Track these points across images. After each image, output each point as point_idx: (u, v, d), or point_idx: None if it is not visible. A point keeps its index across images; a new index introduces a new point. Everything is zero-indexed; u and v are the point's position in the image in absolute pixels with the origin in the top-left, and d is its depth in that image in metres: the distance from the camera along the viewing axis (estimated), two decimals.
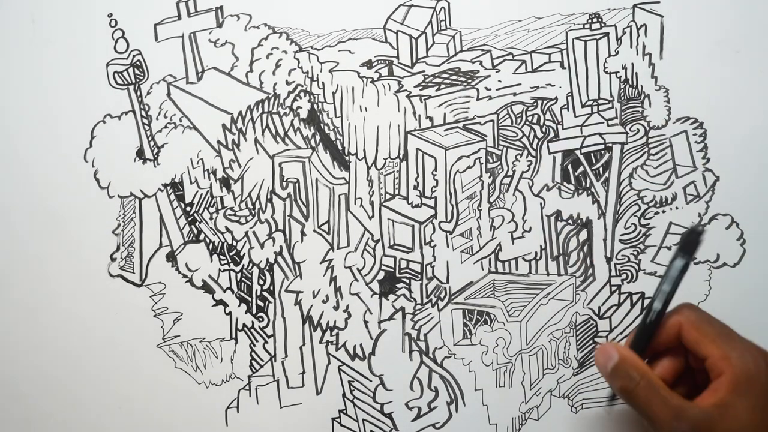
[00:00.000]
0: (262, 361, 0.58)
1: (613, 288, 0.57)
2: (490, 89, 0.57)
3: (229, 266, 0.58)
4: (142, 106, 0.58)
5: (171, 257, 0.58)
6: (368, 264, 0.57)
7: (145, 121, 0.58)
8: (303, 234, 0.58)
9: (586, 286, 0.57)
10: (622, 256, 0.56)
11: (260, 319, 0.58)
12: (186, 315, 0.58)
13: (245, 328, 0.58)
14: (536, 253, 0.57)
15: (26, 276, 0.59)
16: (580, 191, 0.57)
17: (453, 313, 0.57)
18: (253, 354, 0.58)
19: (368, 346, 0.57)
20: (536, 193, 0.57)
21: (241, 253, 0.58)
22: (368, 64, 0.57)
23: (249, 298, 0.58)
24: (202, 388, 0.58)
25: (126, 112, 0.58)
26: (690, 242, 0.46)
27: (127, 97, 0.58)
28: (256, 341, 0.58)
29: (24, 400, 0.59)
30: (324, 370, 0.58)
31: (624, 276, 0.56)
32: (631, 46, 0.56)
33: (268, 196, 0.58)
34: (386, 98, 0.57)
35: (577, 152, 0.57)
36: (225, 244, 0.58)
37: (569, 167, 0.57)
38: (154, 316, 0.58)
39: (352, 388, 0.57)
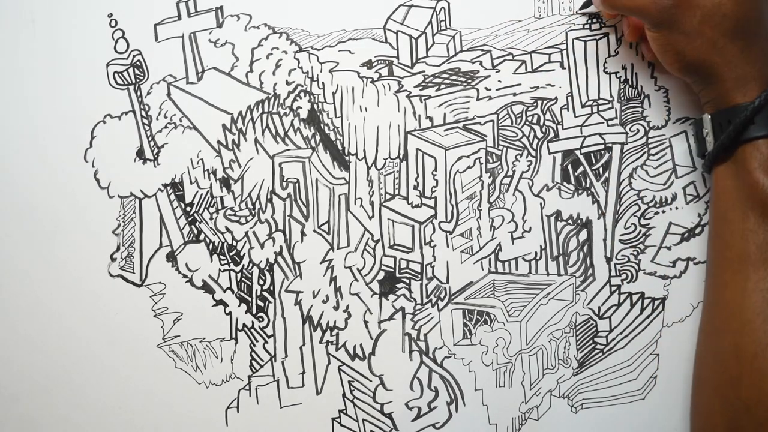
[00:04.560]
0: (262, 361, 0.58)
1: (613, 288, 0.57)
2: (490, 89, 0.57)
3: (229, 266, 0.58)
4: (142, 106, 0.58)
5: (171, 257, 0.58)
6: (368, 264, 0.57)
7: (145, 121, 0.58)
8: (303, 234, 0.58)
9: (586, 286, 0.57)
10: (622, 256, 0.57)
11: (260, 319, 0.58)
12: (186, 315, 0.58)
13: (245, 328, 0.58)
14: (536, 253, 0.57)
15: (26, 276, 0.59)
16: (580, 191, 0.57)
17: (453, 313, 0.57)
18: (253, 354, 0.58)
19: (368, 346, 0.57)
20: (536, 193, 0.57)
21: (241, 253, 0.58)
22: (368, 64, 0.57)
23: (249, 298, 0.58)
24: (202, 388, 0.58)
25: (126, 112, 0.58)
26: None
27: (127, 97, 0.58)
28: (256, 341, 0.58)
29: (24, 400, 0.59)
30: (324, 370, 0.58)
31: (624, 276, 0.57)
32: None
33: (268, 196, 0.58)
34: (386, 98, 0.57)
35: (577, 152, 0.57)
36: (225, 244, 0.58)
37: (569, 167, 0.57)
38: (154, 316, 0.58)
39: (352, 388, 0.57)
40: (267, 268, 0.58)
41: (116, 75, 0.58)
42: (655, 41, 0.50)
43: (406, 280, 0.57)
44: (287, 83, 0.58)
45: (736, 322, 0.46)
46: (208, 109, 0.58)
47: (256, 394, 0.58)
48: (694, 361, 0.51)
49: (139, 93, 0.58)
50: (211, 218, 0.58)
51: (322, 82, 0.58)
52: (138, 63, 0.58)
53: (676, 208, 0.56)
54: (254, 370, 0.58)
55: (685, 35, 0.48)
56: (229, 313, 0.58)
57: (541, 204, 0.57)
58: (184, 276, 0.58)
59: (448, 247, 0.57)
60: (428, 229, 0.57)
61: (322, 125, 0.58)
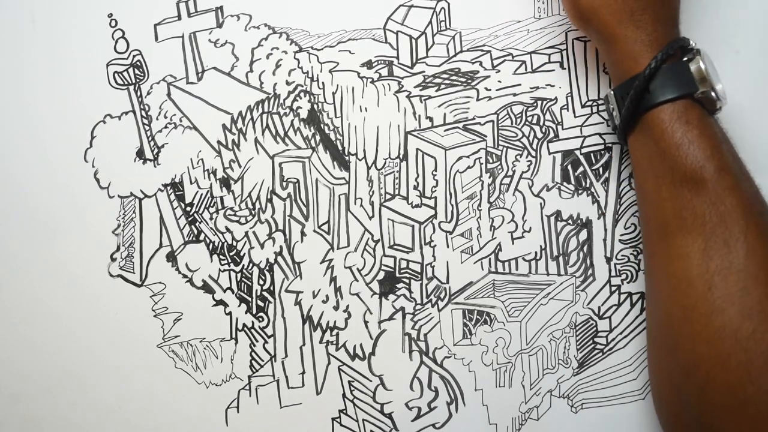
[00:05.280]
0: (262, 361, 0.58)
1: (613, 288, 0.57)
2: (490, 89, 0.57)
3: (229, 266, 0.58)
4: (142, 106, 0.58)
5: (171, 257, 0.58)
6: (368, 264, 0.57)
7: (145, 121, 0.58)
8: (303, 234, 0.58)
9: (586, 286, 0.57)
10: (622, 256, 0.57)
11: (260, 319, 0.58)
12: (186, 315, 0.58)
13: (245, 328, 0.58)
14: (536, 253, 0.57)
15: (26, 276, 0.59)
16: (580, 191, 0.57)
17: (453, 313, 0.57)
18: (253, 354, 0.58)
19: (368, 346, 0.57)
20: (536, 193, 0.57)
21: (241, 253, 0.58)
22: (368, 65, 0.58)
23: (249, 298, 0.58)
24: (202, 388, 0.58)
25: (126, 112, 0.58)
26: None
27: (127, 97, 0.58)
28: (256, 341, 0.58)
29: (24, 400, 0.59)
30: (324, 370, 0.58)
31: (624, 276, 0.57)
32: None
33: (268, 196, 0.58)
34: (386, 98, 0.57)
35: (577, 152, 0.57)
36: (225, 244, 0.58)
37: (569, 167, 0.57)
38: (154, 316, 0.58)
39: (352, 388, 0.57)
40: (267, 268, 0.58)
41: (116, 75, 0.58)
42: None
43: (406, 280, 0.57)
44: (287, 83, 0.58)
45: (664, 290, 0.46)
46: (208, 109, 0.58)
47: (256, 394, 0.58)
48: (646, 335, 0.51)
49: (139, 93, 0.58)
50: (211, 218, 0.58)
51: (322, 82, 0.58)
52: (138, 63, 0.58)
53: None
54: (254, 370, 0.58)
55: None
56: (229, 313, 0.58)
57: (541, 204, 0.57)
58: (184, 276, 0.58)
59: (448, 247, 0.57)
60: (428, 229, 0.57)
61: (322, 125, 0.58)
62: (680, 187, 0.46)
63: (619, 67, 0.49)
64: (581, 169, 0.57)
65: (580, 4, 0.49)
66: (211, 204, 0.58)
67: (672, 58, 0.47)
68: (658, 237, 0.47)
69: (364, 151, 0.57)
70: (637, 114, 0.48)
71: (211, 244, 0.58)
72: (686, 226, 0.45)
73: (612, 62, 0.50)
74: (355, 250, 0.57)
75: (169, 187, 0.58)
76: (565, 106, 0.57)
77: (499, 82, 0.57)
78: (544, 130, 0.57)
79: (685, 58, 0.48)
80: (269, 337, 0.58)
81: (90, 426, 0.58)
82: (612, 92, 0.50)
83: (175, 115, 0.58)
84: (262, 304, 0.58)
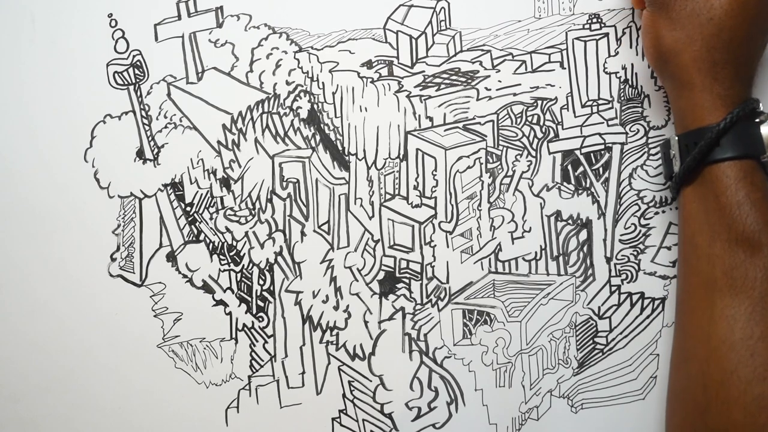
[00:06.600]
0: (262, 361, 0.58)
1: (613, 288, 0.57)
2: (490, 89, 0.57)
3: (229, 266, 0.58)
4: (142, 106, 0.58)
5: (171, 257, 0.58)
6: (368, 264, 0.57)
7: (145, 121, 0.58)
8: (303, 234, 0.58)
9: (586, 286, 0.57)
10: (622, 256, 0.57)
11: (260, 319, 0.58)
12: (186, 315, 0.58)
13: (245, 328, 0.58)
14: (536, 253, 0.57)
15: (26, 276, 0.59)
16: (580, 191, 0.57)
17: (453, 313, 0.57)
18: (253, 354, 0.58)
19: (368, 346, 0.57)
20: (536, 193, 0.57)
21: (241, 253, 0.58)
22: (368, 64, 0.58)
23: (249, 298, 0.58)
24: (202, 388, 0.58)
25: (126, 112, 0.58)
26: None
27: (127, 97, 0.58)
28: (256, 341, 0.58)
29: (24, 400, 0.59)
30: (324, 370, 0.58)
31: (624, 276, 0.57)
32: (630, 47, 0.56)
33: (268, 196, 0.58)
34: (386, 98, 0.57)
35: (577, 152, 0.57)
36: (225, 244, 0.58)
37: (569, 167, 0.57)
38: (154, 316, 0.58)
39: (352, 388, 0.57)
40: (267, 268, 0.58)
41: (116, 75, 0.58)
42: (645, 19, 0.51)
43: (406, 280, 0.57)
44: (287, 83, 0.58)
45: (702, 349, 0.45)
46: (208, 109, 0.58)
47: (256, 394, 0.58)
48: (667, 389, 0.50)
49: (139, 93, 0.58)
50: (211, 218, 0.58)
51: (322, 82, 0.58)
52: (138, 63, 0.58)
53: (676, 208, 0.56)
54: (254, 370, 0.58)
55: (671, 22, 0.48)
56: (229, 313, 0.58)
57: (541, 204, 0.57)
58: (184, 276, 0.58)
59: (448, 247, 0.57)
60: (428, 229, 0.57)
61: (322, 125, 0.58)
62: (735, 246, 0.45)
63: (689, 114, 0.48)
64: (581, 169, 0.57)
65: (663, 43, 0.49)
66: (211, 204, 0.58)
67: (743, 117, 0.46)
68: (702, 293, 0.46)
69: (364, 151, 0.57)
70: (701, 165, 0.47)
71: (211, 244, 0.58)
72: (735, 287, 0.44)
73: (681, 108, 0.49)
74: (355, 250, 0.57)
75: (169, 187, 0.58)
76: (565, 106, 0.57)
77: (499, 81, 0.57)
78: (544, 130, 0.57)
79: (757, 120, 0.47)
80: (269, 337, 0.58)
81: (90, 426, 0.58)
82: (676, 138, 0.49)
83: (175, 115, 0.58)
84: (262, 304, 0.58)
